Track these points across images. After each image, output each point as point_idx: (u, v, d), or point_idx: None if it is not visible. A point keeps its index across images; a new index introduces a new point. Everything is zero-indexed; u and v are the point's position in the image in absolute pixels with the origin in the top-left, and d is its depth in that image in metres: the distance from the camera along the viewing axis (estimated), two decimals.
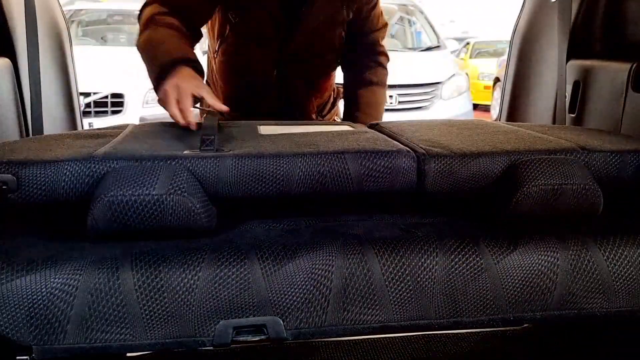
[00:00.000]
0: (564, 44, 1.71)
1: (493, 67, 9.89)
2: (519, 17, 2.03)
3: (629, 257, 0.96)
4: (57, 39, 1.98)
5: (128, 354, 1.24)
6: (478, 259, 0.92)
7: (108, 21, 6.21)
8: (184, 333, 0.86)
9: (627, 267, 0.95)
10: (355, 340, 1.41)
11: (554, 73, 1.75)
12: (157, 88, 1.34)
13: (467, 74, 6.40)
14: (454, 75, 5.75)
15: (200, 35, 1.57)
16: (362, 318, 0.90)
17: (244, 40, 1.64)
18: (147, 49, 1.42)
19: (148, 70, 1.41)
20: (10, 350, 0.84)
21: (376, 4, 1.76)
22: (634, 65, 1.49)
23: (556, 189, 0.93)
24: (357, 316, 0.90)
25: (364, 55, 1.81)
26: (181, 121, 1.20)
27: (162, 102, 1.28)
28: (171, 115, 1.24)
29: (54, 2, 1.99)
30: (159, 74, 1.31)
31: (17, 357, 0.84)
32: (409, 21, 6.74)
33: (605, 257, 0.95)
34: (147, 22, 1.45)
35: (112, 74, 4.78)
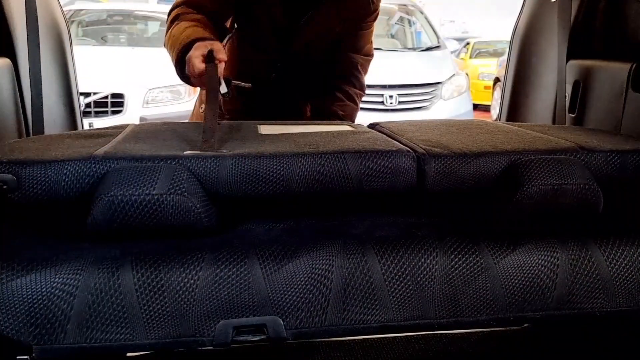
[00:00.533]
0: (564, 44, 1.71)
1: (493, 67, 9.89)
2: (519, 17, 2.03)
3: (629, 257, 0.96)
4: (57, 39, 1.98)
5: (128, 354, 1.24)
6: (478, 258, 0.93)
7: (108, 21, 6.20)
8: (184, 333, 0.87)
9: (627, 267, 0.95)
10: (355, 340, 1.41)
11: (554, 73, 1.75)
12: (180, 74, 1.43)
13: (467, 74, 6.40)
14: (454, 75, 5.76)
15: (226, 32, 1.61)
16: (362, 318, 0.91)
17: (246, 41, 1.66)
18: (171, 40, 1.49)
19: (171, 58, 1.48)
20: (10, 350, 0.84)
21: (369, 28, 1.75)
22: (634, 65, 1.49)
23: (556, 189, 0.93)
24: (357, 316, 0.91)
25: (338, 81, 1.76)
26: (200, 65, 1.30)
27: (189, 70, 1.34)
28: (195, 66, 1.31)
29: (54, 2, 1.99)
30: (179, 56, 1.39)
31: (18, 357, 0.85)
32: (409, 21, 6.74)
33: (605, 257, 0.95)
34: (173, 19, 1.53)
35: (112, 74, 4.78)
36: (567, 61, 1.72)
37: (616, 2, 1.66)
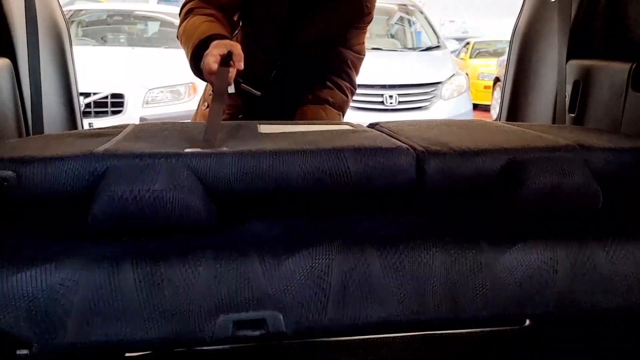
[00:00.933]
0: (564, 44, 1.71)
1: (493, 67, 9.89)
2: (519, 17, 2.03)
3: (628, 253, 0.96)
4: (57, 39, 1.98)
5: (127, 354, 1.24)
6: (477, 255, 0.93)
7: (108, 21, 6.20)
8: (184, 329, 0.87)
9: (627, 263, 0.96)
10: (355, 340, 1.41)
11: (554, 73, 1.75)
12: (194, 68, 1.43)
13: (467, 74, 6.40)
14: (453, 75, 5.75)
15: (236, 25, 1.64)
16: (362, 314, 0.91)
17: (248, 39, 1.67)
18: (185, 35, 1.49)
19: (186, 53, 1.48)
20: (10, 346, 0.85)
21: (363, 29, 1.77)
22: (634, 65, 1.49)
23: (555, 186, 0.93)
24: (357, 312, 0.91)
25: (329, 74, 1.76)
26: (213, 65, 1.30)
27: (205, 66, 1.34)
28: (209, 64, 1.32)
29: (54, 2, 1.99)
30: (194, 52, 1.40)
31: (18, 352, 0.85)
32: (409, 21, 6.74)
33: (605, 254, 0.96)
34: (186, 13, 1.54)
35: (112, 74, 4.78)
36: (567, 61, 1.72)
37: (616, 2, 1.66)
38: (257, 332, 0.89)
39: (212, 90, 1.33)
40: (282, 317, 0.89)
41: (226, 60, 1.30)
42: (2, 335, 0.84)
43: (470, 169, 0.97)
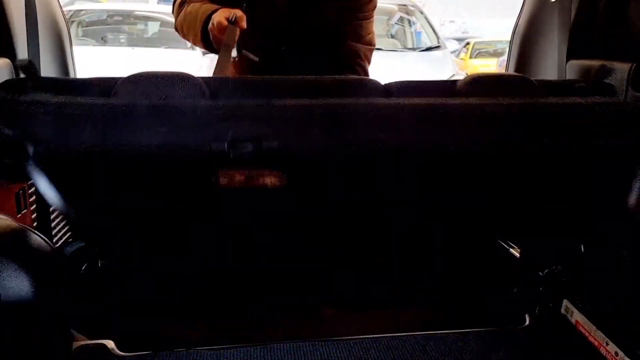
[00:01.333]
0: (564, 44, 1.71)
1: (493, 67, 9.89)
2: (519, 17, 2.03)
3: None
4: (57, 40, 1.98)
5: (122, 353, 1.25)
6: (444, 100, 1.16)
7: (108, 21, 6.20)
8: (185, 140, 1.05)
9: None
10: (355, 339, 1.42)
11: (554, 73, 1.76)
12: (202, 42, 1.58)
13: (467, 74, 6.39)
14: (453, 75, 5.75)
15: None
16: (348, 137, 1.11)
17: (251, 27, 1.68)
18: (186, 20, 1.62)
19: (192, 37, 1.63)
20: (27, 143, 1.01)
21: (369, 18, 1.76)
22: (634, 66, 1.49)
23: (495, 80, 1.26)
24: (343, 136, 1.10)
25: (344, 71, 1.74)
26: (224, 21, 1.47)
27: (216, 25, 1.50)
28: (219, 22, 1.49)
29: (54, 2, 1.99)
30: (202, 28, 1.55)
31: (33, 150, 1.00)
32: (409, 21, 6.74)
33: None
34: (180, 5, 1.67)
35: (112, 74, 4.77)
36: (567, 61, 1.72)
37: (616, 2, 1.66)
38: (251, 148, 1.04)
39: (222, 44, 1.48)
40: (275, 138, 1.05)
41: (232, 21, 1.49)
42: (22, 135, 1.00)
43: (431, 92, 1.20)
